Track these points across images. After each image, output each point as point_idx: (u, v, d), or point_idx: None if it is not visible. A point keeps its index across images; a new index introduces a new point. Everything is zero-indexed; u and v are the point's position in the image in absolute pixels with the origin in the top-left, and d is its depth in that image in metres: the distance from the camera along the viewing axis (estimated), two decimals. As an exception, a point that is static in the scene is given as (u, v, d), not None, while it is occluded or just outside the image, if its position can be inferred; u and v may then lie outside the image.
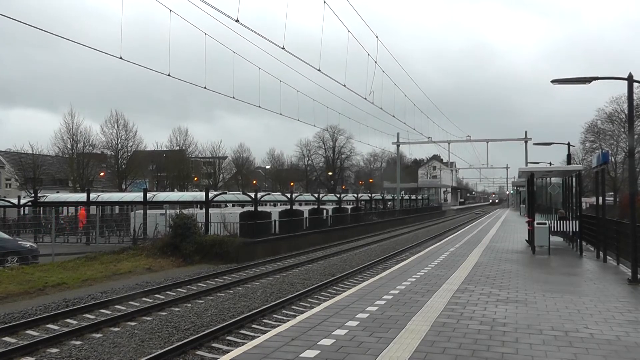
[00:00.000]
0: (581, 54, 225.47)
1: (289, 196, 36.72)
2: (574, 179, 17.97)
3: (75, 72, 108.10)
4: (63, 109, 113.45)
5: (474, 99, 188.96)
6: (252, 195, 29.85)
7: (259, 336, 8.34)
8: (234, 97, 21.34)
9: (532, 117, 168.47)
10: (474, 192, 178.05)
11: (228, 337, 10.60)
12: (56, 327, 11.62)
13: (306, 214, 34.31)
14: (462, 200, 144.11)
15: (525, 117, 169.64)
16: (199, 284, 17.41)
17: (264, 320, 12.05)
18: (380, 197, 64.12)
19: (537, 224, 17.04)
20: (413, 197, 77.74)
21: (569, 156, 29.42)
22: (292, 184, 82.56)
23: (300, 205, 40.02)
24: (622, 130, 47.53)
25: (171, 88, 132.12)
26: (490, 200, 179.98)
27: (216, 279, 18.33)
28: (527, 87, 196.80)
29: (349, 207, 44.90)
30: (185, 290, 16.07)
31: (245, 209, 30.97)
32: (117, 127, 55.68)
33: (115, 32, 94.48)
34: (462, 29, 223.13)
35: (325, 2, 17.04)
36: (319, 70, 19.97)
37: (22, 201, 35.39)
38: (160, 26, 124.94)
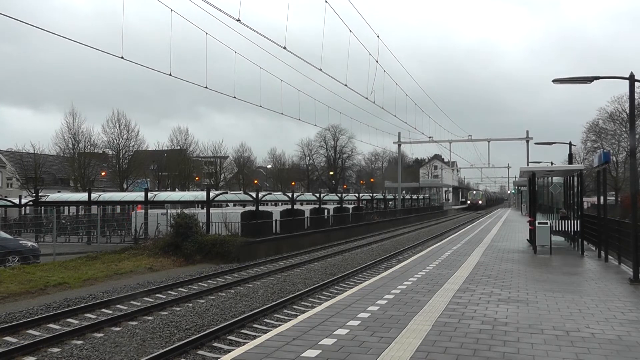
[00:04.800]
0: (568, 48, 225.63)
1: (290, 196, 36.70)
2: (575, 179, 17.94)
3: (55, 68, 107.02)
4: (46, 106, 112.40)
5: (459, 96, 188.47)
6: (254, 194, 29.84)
7: (260, 336, 8.35)
8: (235, 97, 21.35)
9: (527, 115, 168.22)
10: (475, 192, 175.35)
11: (229, 337, 10.60)
12: (57, 327, 11.63)
13: (307, 214, 34.29)
14: (463, 199, 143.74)
15: (520, 115, 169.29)
16: (200, 283, 17.42)
17: (266, 320, 12.05)
18: (382, 197, 64.06)
19: (539, 223, 17.02)
20: (414, 196, 77.64)
21: (570, 156, 29.43)
22: (293, 183, 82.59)
23: (301, 204, 40.00)
24: (624, 129, 47.40)
25: (155, 84, 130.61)
26: (469, 202, 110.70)
27: (217, 279, 18.34)
28: (520, 84, 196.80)
29: (350, 206, 44.84)
30: (186, 290, 16.08)
31: (247, 208, 30.95)
32: (119, 126, 55.72)
33: (84, 26, 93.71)
34: (439, 24, 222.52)
35: (326, 1, 17.02)
36: (320, 69, 19.97)
37: (24, 201, 35.41)
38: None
